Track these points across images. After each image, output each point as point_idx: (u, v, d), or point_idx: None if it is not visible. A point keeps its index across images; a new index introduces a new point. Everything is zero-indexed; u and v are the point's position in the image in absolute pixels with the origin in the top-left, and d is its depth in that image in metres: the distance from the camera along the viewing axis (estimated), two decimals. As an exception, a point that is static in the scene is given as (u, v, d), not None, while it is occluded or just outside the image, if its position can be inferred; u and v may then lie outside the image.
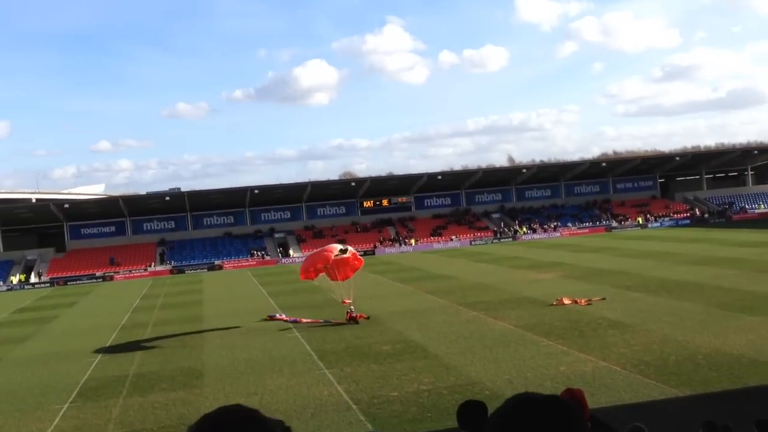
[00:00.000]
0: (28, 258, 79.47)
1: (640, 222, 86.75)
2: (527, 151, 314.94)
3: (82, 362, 28.93)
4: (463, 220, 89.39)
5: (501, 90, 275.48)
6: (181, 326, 36.50)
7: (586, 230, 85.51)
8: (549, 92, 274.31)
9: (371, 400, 20.19)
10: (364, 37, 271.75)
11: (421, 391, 20.62)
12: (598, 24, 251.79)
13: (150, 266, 77.92)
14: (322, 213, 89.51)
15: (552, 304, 33.37)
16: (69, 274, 75.64)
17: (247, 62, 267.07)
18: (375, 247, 79.93)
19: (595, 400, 17.14)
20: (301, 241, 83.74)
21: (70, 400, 23.06)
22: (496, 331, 28.55)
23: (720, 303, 30.49)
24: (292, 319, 34.95)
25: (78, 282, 73.88)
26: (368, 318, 33.33)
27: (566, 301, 33.47)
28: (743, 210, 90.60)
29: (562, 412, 1.91)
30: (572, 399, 4.18)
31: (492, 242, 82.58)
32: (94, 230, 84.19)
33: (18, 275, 75.69)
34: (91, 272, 76.13)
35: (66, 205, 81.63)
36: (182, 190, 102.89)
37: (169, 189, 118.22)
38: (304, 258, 77.10)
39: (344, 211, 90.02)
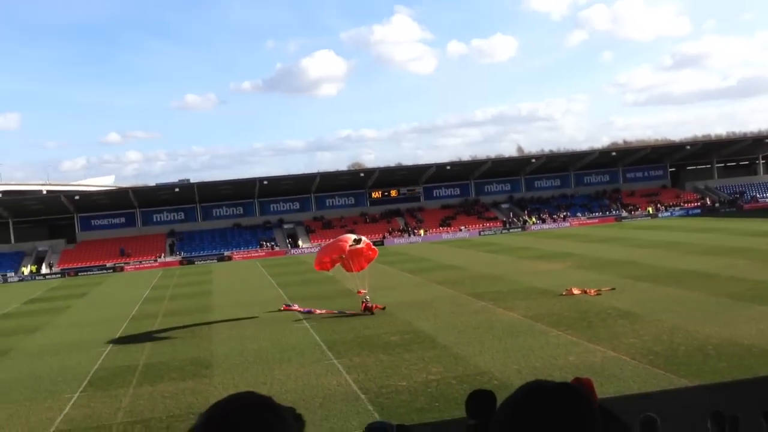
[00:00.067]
0: (39, 249, 79.89)
1: (650, 212, 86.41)
2: (536, 141, 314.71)
3: (93, 352, 29.10)
4: (472, 210, 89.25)
5: (509, 80, 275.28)
6: (190, 317, 36.64)
7: (596, 220, 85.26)
8: (558, 82, 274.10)
9: (380, 389, 20.22)
10: (372, 28, 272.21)
11: (429, 381, 20.64)
12: (608, 12, 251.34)
13: (160, 257, 78.20)
14: (331, 204, 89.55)
15: (561, 295, 33.31)
16: (79, 265, 76.01)
17: (256, 53, 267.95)
18: (384, 237, 79.92)
19: (603, 390, 17.10)
20: (310, 232, 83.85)
21: (81, 389, 23.20)
22: (505, 321, 28.52)
23: (730, 293, 30.36)
24: (306, 309, 34.87)
25: (88, 273, 74.23)
26: (384, 308, 33.14)
27: (575, 292, 33.40)
28: (754, 199, 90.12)
29: (575, 399, 1.88)
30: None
31: (501, 233, 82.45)
32: (104, 222, 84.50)
33: (29, 266, 76.12)
34: (101, 263, 76.48)
35: (76, 197, 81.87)
36: (191, 181, 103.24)
37: (178, 180, 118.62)
38: (313, 249, 77.41)
39: (353, 202, 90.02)
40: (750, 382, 17.29)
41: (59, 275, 74.20)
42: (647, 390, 17.67)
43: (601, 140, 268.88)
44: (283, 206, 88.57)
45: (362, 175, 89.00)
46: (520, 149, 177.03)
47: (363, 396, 19.71)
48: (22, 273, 74.96)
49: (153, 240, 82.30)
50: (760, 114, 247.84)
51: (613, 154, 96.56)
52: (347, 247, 33.82)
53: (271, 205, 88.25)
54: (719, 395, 16.22)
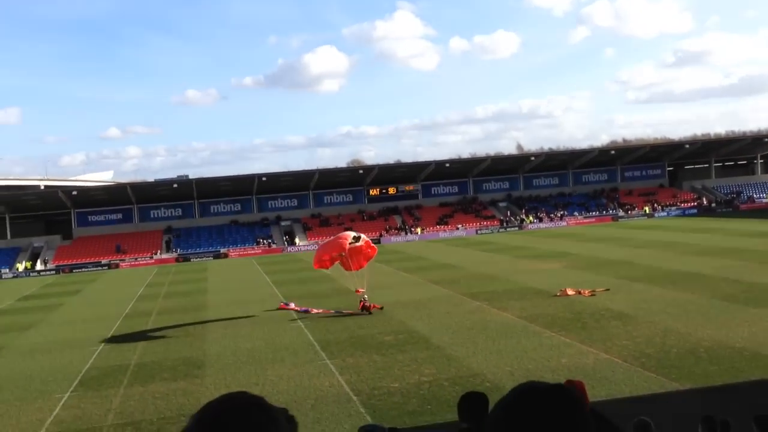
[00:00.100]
0: (35, 245, 79.75)
1: (647, 211, 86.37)
2: (536, 139, 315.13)
3: (85, 351, 29.03)
4: (470, 208, 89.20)
5: (511, 76, 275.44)
6: (185, 315, 36.57)
7: (593, 219, 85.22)
8: (560, 79, 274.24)
9: (372, 391, 20.19)
10: (375, 23, 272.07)
11: (422, 383, 20.60)
12: (611, 8, 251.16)
13: (156, 254, 78.08)
14: (329, 201, 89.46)
15: (556, 295, 33.28)
16: (75, 262, 75.88)
17: (258, 49, 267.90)
18: (381, 235, 79.84)
19: (595, 393, 17.09)
20: (307, 230, 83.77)
21: (71, 389, 23.14)
22: (499, 322, 28.49)
23: (724, 294, 30.34)
24: (303, 308, 34.68)
25: (83, 269, 74.07)
26: (382, 308, 32.92)
27: (570, 292, 33.34)
28: (751, 199, 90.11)
29: (567, 401, 1.88)
30: (573, 390, 4.12)
31: (498, 231, 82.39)
32: (101, 217, 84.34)
33: (24, 262, 75.99)
34: (96, 260, 76.31)
35: (74, 192, 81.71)
36: (190, 177, 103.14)
37: (177, 176, 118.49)
38: (310, 246, 77.36)
39: (351, 199, 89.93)
40: (741, 386, 17.27)
41: (54, 272, 74.06)
42: (638, 393, 17.64)
43: (601, 138, 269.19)
44: (281, 203, 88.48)
45: (361, 172, 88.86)
46: (519, 147, 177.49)
47: (355, 398, 19.67)
48: (17, 269, 74.83)
49: (149, 236, 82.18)
50: (761, 112, 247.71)
51: (612, 152, 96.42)
52: (347, 245, 33.58)
53: (269, 202, 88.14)
54: (710, 399, 16.19)
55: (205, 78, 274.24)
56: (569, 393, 1.89)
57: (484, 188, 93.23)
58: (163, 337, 31.16)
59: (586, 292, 33.21)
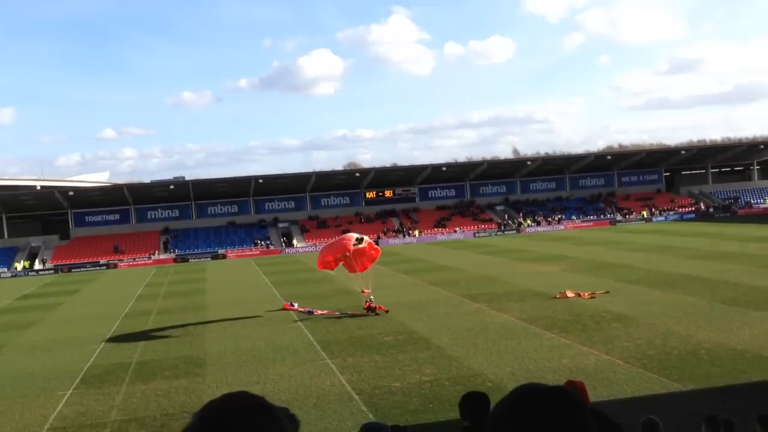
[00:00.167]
0: (33, 245, 79.67)
1: (645, 216, 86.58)
2: (532, 144, 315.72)
3: (86, 349, 29.02)
4: (467, 212, 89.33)
5: (507, 82, 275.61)
6: (184, 315, 36.57)
7: (590, 223, 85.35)
8: (555, 84, 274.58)
9: (373, 390, 20.22)
10: (370, 27, 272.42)
11: (423, 382, 20.65)
12: (605, 16, 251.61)
13: (154, 254, 78.04)
14: (326, 203, 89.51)
15: (555, 297, 33.35)
16: (73, 262, 75.83)
17: (253, 51, 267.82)
18: (379, 238, 79.72)
19: (596, 394, 17.14)
20: (304, 231, 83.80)
21: (74, 386, 23.14)
22: (499, 323, 28.54)
23: (724, 298, 30.43)
24: (306, 309, 34.49)
25: (82, 269, 74.04)
26: (387, 311, 32.45)
27: (569, 294, 33.42)
28: (748, 205, 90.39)
29: (567, 402, 1.89)
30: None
31: (496, 234, 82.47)
32: (99, 218, 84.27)
33: (22, 262, 75.93)
34: (95, 260, 76.27)
35: (70, 193, 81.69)
36: (186, 178, 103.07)
37: (174, 178, 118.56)
38: (307, 248, 77.41)
39: (348, 202, 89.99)
40: (743, 387, 17.37)
41: (52, 271, 73.98)
42: (640, 394, 17.72)
43: (596, 144, 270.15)
44: (278, 205, 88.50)
45: (358, 174, 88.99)
46: (515, 151, 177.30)
47: (356, 396, 19.70)
48: (15, 269, 74.75)
49: (147, 237, 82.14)
50: (755, 120, 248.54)
51: (609, 157, 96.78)
52: (351, 246, 33.52)
53: (266, 204, 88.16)
54: (712, 400, 16.28)
55: (200, 80, 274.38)
56: (569, 395, 1.91)
57: (481, 192, 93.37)
58: (163, 336, 31.16)
59: (586, 294, 33.29)
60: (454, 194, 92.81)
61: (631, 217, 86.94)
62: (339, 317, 32.56)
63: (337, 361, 24.03)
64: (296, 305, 35.70)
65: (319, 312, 33.69)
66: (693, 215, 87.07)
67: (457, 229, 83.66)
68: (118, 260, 76.06)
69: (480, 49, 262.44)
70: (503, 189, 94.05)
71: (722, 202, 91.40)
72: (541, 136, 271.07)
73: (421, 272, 48.44)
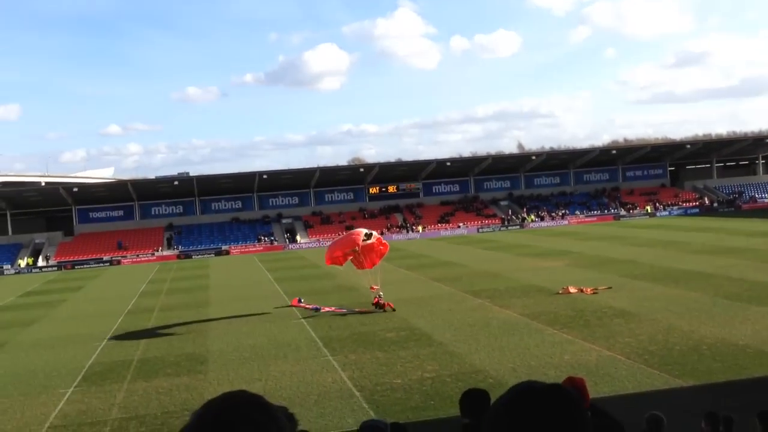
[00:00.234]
0: (36, 241, 79.80)
1: (649, 210, 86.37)
2: (537, 138, 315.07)
3: (88, 347, 29.08)
4: (471, 207, 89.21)
5: (512, 76, 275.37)
6: (187, 312, 36.61)
7: (594, 218, 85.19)
8: (561, 78, 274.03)
9: (375, 387, 20.22)
10: (376, 21, 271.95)
11: (424, 379, 20.64)
12: (612, 9, 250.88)
13: (157, 251, 78.11)
14: (330, 199, 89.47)
15: (558, 293, 33.29)
16: (76, 258, 75.90)
17: (258, 46, 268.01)
18: (382, 233, 79.32)
19: (598, 390, 17.12)
20: (308, 227, 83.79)
21: (75, 384, 23.19)
22: (501, 319, 28.51)
23: (727, 293, 30.35)
24: (313, 306, 34.24)
25: (85, 266, 74.15)
26: (394, 309, 32.10)
27: (572, 290, 33.37)
28: (753, 199, 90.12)
29: (564, 401, 1.89)
30: (573, 387, 4.14)
31: (500, 230, 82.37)
32: (103, 214, 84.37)
33: (26, 258, 76.04)
34: (98, 256, 76.36)
35: (75, 189, 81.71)
36: (191, 174, 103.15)
37: (178, 173, 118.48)
38: (311, 244, 77.44)
39: (352, 197, 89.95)
40: (744, 383, 17.33)
41: (56, 268, 74.09)
42: (642, 390, 17.69)
43: (602, 138, 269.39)
44: (282, 201, 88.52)
45: (362, 170, 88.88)
46: (520, 146, 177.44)
47: (358, 393, 19.71)
48: (19, 265, 74.88)
49: (151, 233, 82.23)
50: (762, 113, 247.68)
51: (613, 152, 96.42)
52: (360, 241, 33.40)
53: (270, 200, 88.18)
54: (713, 395, 16.24)
55: (205, 75, 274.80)
56: (567, 393, 1.91)
57: (485, 187, 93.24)
58: (165, 333, 31.17)
59: (589, 290, 33.23)
60: (458, 189, 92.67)
61: (635, 212, 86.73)
62: (345, 314, 32.45)
63: (339, 357, 24.03)
64: (303, 302, 35.54)
65: (326, 309, 33.56)
66: (697, 210, 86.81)
67: (461, 224, 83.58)
68: (122, 257, 76.15)
69: (486, 42, 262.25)
70: (507, 184, 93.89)
71: (727, 196, 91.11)
72: (546, 130, 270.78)
73: (424, 268, 48.41)
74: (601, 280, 35.91)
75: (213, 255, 76.60)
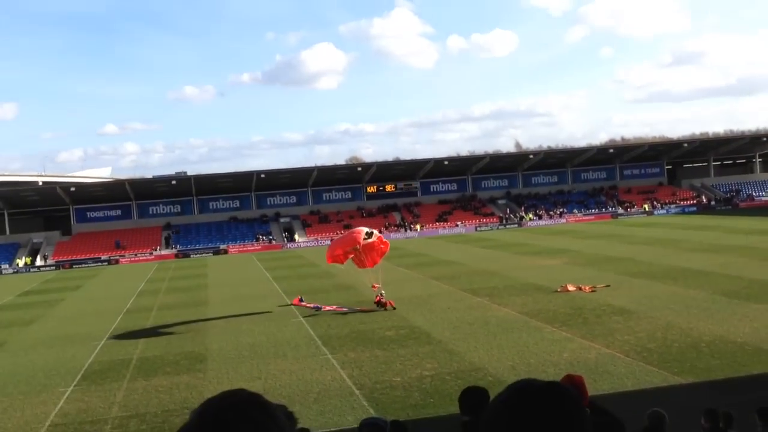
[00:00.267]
0: (34, 241, 79.71)
1: (647, 209, 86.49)
2: (534, 137, 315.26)
3: (87, 346, 29.07)
4: (469, 206, 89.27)
5: (509, 75, 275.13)
6: (185, 311, 36.61)
7: (592, 217, 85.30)
8: (557, 77, 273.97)
9: (374, 385, 20.24)
10: (373, 21, 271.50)
11: (423, 377, 20.66)
12: (608, 8, 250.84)
13: (155, 250, 78.09)
14: (327, 198, 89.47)
15: (556, 291, 33.33)
16: (74, 258, 75.84)
17: (255, 45, 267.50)
18: (381, 232, 79.39)
19: (597, 387, 17.16)
20: (306, 226, 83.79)
21: (75, 383, 23.19)
22: (500, 317, 28.54)
23: (725, 290, 30.41)
24: (314, 305, 34.03)
25: (83, 265, 74.08)
26: (395, 308, 32.09)
27: (570, 288, 33.40)
28: (750, 197, 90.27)
29: (562, 399, 1.89)
30: (572, 385, 4.17)
31: (497, 228, 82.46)
32: (100, 214, 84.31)
33: (24, 258, 75.99)
34: (96, 255, 76.34)
35: (72, 189, 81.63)
36: (188, 174, 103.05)
37: (176, 173, 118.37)
38: (309, 243, 77.47)
39: (350, 196, 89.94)
40: (743, 379, 17.38)
41: (54, 267, 74.03)
42: (640, 387, 17.73)
43: (599, 137, 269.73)
44: (280, 200, 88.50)
45: (360, 169, 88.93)
46: (518, 145, 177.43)
47: (357, 391, 19.73)
48: (17, 265, 74.83)
49: (149, 233, 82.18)
50: (759, 112, 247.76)
51: (611, 151, 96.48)
52: (361, 240, 33.36)
53: (268, 199, 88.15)
54: (712, 392, 16.30)
55: (202, 74, 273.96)
56: (565, 391, 1.91)
57: (483, 186, 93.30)
58: (164, 332, 31.16)
59: (587, 288, 33.28)
60: (455, 188, 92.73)
61: (633, 210, 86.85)
62: (346, 313, 32.37)
63: (338, 356, 24.05)
64: (304, 301, 35.45)
65: (327, 308, 33.46)
66: (694, 208, 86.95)
67: (459, 223, 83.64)
68: (120, 256, 76.12)
69: (483, 42, 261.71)
70: (505, 183, 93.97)
71: (724, 194, 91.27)
72: (544, 129, 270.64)
73: (423, 267, 48.44)
74: (600, 278, 35.97)
75: (211, 254, 76.58)
